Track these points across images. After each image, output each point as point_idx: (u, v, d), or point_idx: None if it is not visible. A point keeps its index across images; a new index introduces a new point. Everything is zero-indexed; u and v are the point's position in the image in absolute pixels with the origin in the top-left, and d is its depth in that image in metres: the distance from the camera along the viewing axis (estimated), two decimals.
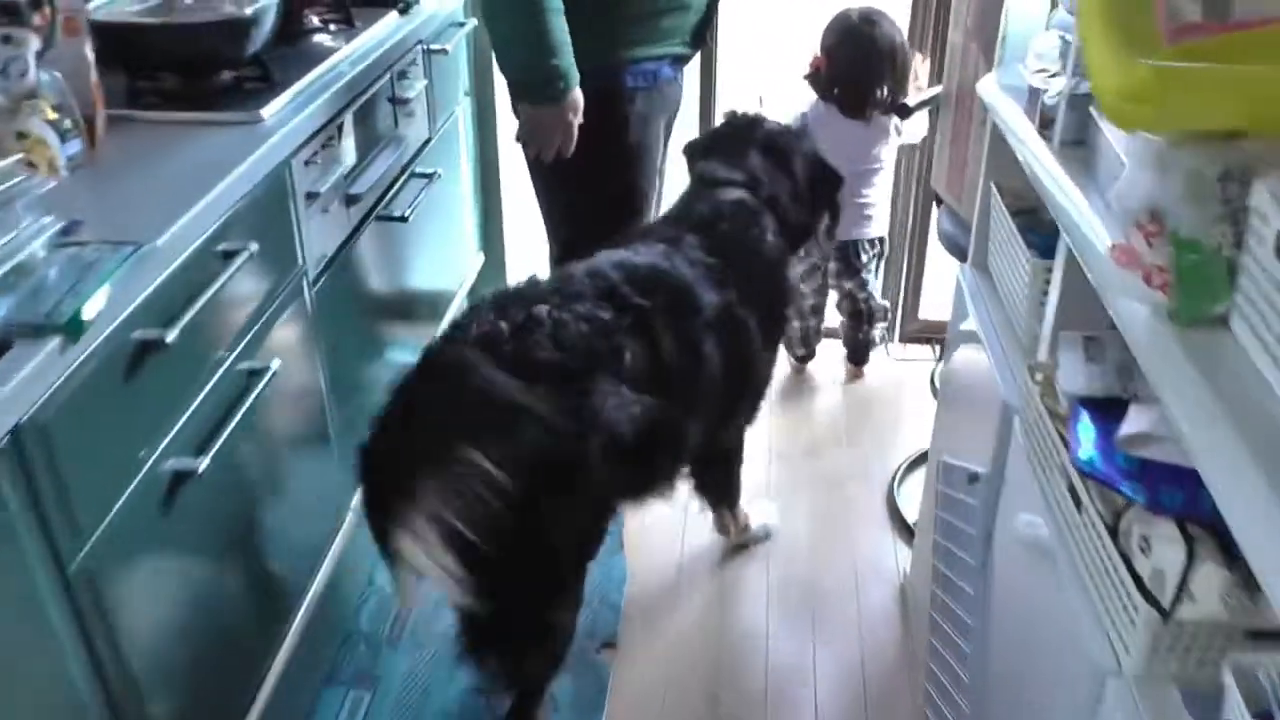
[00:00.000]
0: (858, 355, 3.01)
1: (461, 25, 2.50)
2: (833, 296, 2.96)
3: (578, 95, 2.00)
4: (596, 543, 1.67)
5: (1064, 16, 1.59)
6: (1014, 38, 1.67)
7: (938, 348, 3.08)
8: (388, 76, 2.06)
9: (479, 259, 2.86)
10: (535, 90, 1.98)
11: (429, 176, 2.26)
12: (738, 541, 2.36)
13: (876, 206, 2.81)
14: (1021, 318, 1.58)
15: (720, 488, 2.25)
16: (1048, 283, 1.53)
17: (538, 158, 2.17)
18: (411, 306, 2.34)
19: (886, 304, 2.96)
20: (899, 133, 2.73)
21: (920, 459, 2.65)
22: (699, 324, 1.72)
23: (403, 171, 2.16)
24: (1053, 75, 1.49)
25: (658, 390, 1.59)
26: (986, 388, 1.65)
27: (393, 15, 2.20)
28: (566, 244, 2.23)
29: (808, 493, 2.57)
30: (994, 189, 1.76)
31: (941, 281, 3.06)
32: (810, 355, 3.04)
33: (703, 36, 2.23)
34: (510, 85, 2.07)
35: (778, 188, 2.02)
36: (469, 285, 2.77)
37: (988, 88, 1.75)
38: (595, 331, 1.54)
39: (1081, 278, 1.30)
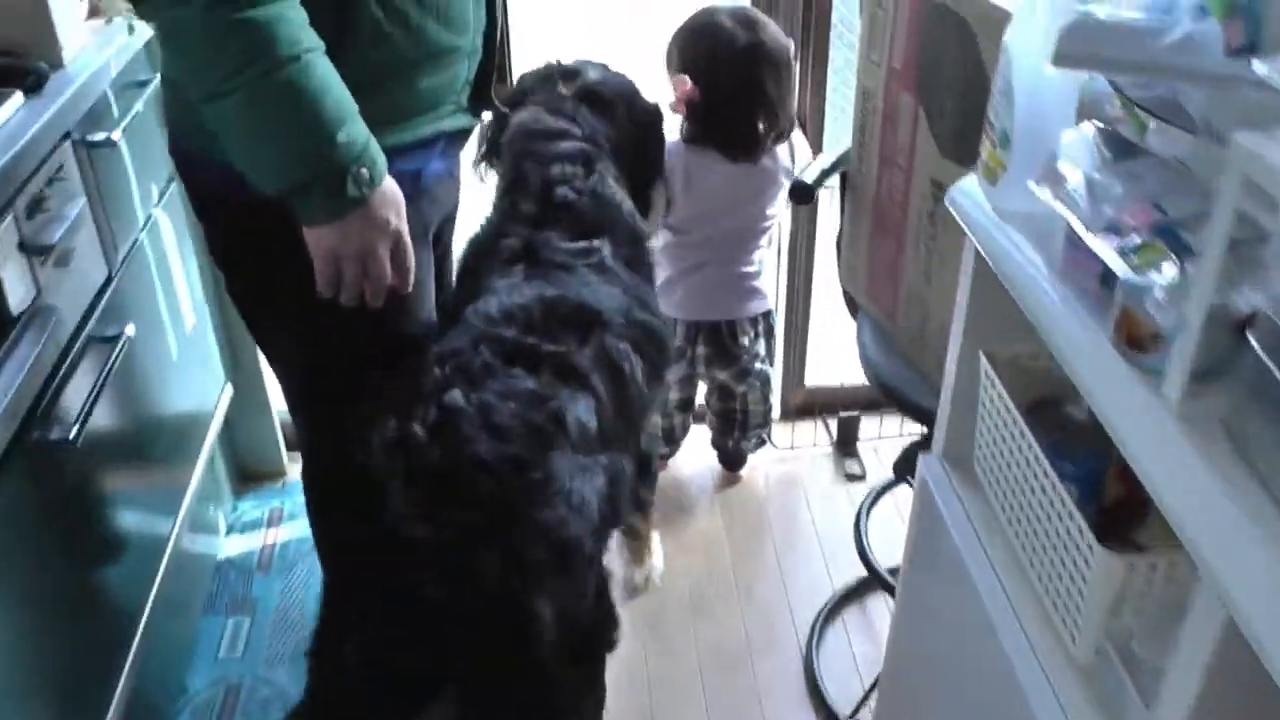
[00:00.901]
0: (730, 462, 2.39)
1: (143, 86, 1.70)
2: (701, 386, 2.32)
3: (392, 186, 1.24)
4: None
5: (1104, 91, 0.97)
6: (1026, 135, 1.03)
7: (833, 424, 2.48)
8: (9, 216, 1.27)
9: (228, 392, 2.09)
10: (323, 194, 1.18)
11: (114, 340, 1.49)
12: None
13: (763, 275, 2.17)
14: (1077, 631, 0.96)
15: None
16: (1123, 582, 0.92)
17: (264, 314, 1.44)
18: (130, 511, 1.59)
19: (771, 403, 2.33)
20: (789, 176, 2.08)
21: (841, 603, 2.07)
22: (613, 337, 1.44)
23: (64, 357, 1.38)
24: (1138, 248, 0.86)
25: (605, 436, 1.36)
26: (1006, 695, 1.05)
27: (14, 99, 1.39)
28: (316, 427, 1.53)
29: (695, 686, 1.93)
30: (985, 362, 1.14)
31: (830, 334, 2.45)
32: (674, 452, 2.40)
33: (487, 94, 1.49)
34: (280, 199, 1.20)
35: (598, 131, 1.70)
36: (217, 429, 2.01)
37: (968, 209, 1.11)
38: (528, 405, 1.28)
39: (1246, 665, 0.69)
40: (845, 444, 2.45)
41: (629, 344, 1.45)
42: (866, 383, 2.45)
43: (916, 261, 1.44)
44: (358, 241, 1.22)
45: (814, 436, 2.48)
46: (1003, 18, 1.13)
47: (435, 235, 1.52)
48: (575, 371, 1.35)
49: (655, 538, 2.13)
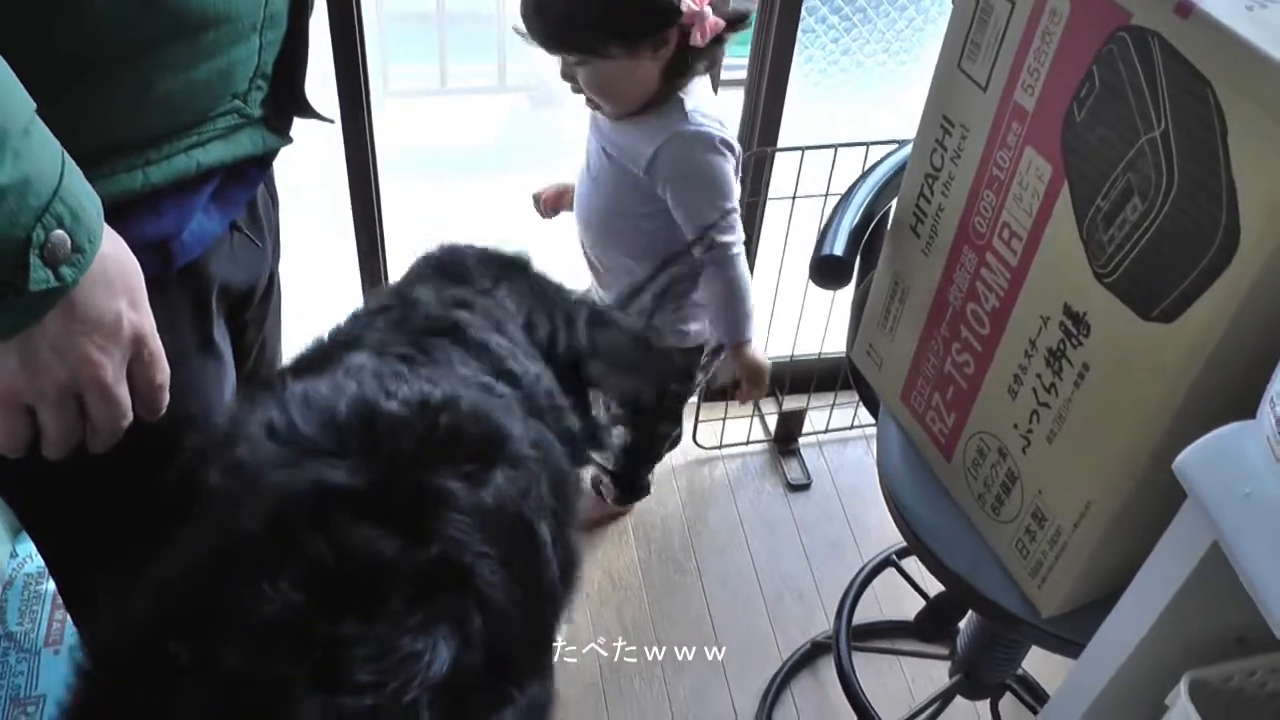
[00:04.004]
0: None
1: None
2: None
3: (116, 252, 0.68)
4: None
5: None
6: None
7: (771, 419, 2.04)
8: None
9: None
10: None
11: None
12: None
13: None
14: None
15: None
16: None
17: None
18: None
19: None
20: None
21: (807, 658, 1.70)
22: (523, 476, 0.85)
23: None
24: None
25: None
26: None
27: None
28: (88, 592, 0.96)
29: None
30: (1185, 695, 0.72)
31: (764, 288, 1.95)
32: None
33: (299, 94, 0.91)
34: None
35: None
36: None
37: (1215, 502, 0.66)
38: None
39: None
40: (786, 440, 2.02)
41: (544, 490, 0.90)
42: (811, 357, 2.04)
43: (1008, 407, 0.97)
44: (58, 367, 0.67)
45: (747, 432, 2.03)
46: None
47: (237, 326, 0.97)
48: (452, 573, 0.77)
49: None
